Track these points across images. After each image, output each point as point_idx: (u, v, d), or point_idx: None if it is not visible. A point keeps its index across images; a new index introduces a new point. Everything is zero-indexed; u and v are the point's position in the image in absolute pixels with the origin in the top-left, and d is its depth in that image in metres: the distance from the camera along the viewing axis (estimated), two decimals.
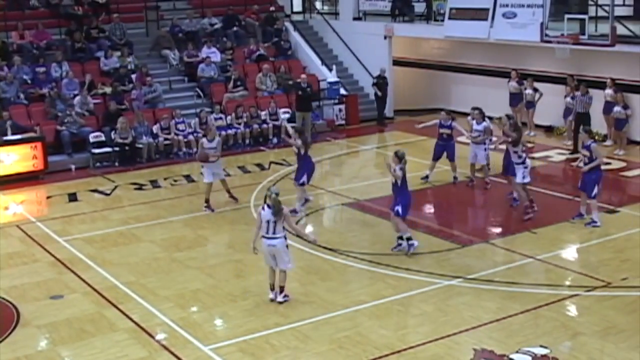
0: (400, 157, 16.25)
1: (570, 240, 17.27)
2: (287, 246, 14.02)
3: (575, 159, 21.64)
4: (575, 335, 12.70)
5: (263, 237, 13.95)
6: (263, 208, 13.93)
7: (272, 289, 14.21)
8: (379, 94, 29.94)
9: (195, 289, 14.94)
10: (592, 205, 17.85)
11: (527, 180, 18.44)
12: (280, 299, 14.06)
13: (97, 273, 15.86)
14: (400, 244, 16.46)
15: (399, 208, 16.21)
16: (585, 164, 17.75)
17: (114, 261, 16.49)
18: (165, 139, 25.62)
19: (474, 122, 20.72)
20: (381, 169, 23.21)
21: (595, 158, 17.63)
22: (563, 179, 23.06)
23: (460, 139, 21.99)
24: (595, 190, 17.69)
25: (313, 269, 15.70)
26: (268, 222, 13.80)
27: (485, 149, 20.64)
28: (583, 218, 18.01)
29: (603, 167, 21.85)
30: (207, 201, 19.77)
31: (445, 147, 21.32)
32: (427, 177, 21.51)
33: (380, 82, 29.96)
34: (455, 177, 21.36)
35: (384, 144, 27.45)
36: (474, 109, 21.01)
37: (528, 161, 18.56)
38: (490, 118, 21.51)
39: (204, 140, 19.72)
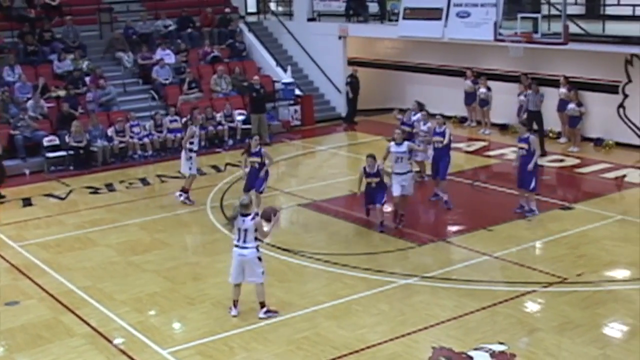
0: (374, 157, 17.50)
1: (526, 237, 17.39)
2: (259, 258, 13.46)
3: None
4: (532, 331, 12.80)
5: (235, 246, 13.50)
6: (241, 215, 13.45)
7: (235, 305, 13.67)
8: (351, 95, 30.03)
9: (152, 292, 14.85)
10: (530, 197, 18.42)
11: (397, 194, 17.75)
12: (261, 314, 13.53)
13: (53, 278, 15.71)
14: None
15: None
16: (523, 156, 18.21)
17: (70, 266, 16.34)
18: (120, 142, 25.44)
19: (421, 122, 20.57)
20: (337, 169, 23.29)
21: (534, 150, 18.18)
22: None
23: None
24: (534, 183, 18.24)
25: (270, 270, 15.57)
26: (239, 229, 13.37)
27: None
28: (525, 210, 18.46)
29: (558, 164, 22.15)
30: (186, 192, 20.35)
31: None
32: None
33: (353, 82, 30.03)
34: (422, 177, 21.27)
35: (340, 144, 27.46)
36: (420, 106, 21.22)
37: (408, 176, 17.89)
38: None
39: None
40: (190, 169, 20.32)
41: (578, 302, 13.81)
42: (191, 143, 20.19)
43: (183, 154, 20.36)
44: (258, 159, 18.70)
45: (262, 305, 13.58)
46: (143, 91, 28.65)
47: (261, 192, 18.87)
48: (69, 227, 18.97)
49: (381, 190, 17.66)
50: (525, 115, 25.53)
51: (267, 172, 18.89)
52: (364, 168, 17.56)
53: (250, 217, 13.33)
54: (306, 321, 13.38)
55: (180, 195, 20.33)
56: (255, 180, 18.79)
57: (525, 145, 18.17)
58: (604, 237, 17.09)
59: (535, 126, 23.58)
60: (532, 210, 18.37)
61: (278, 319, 13.45)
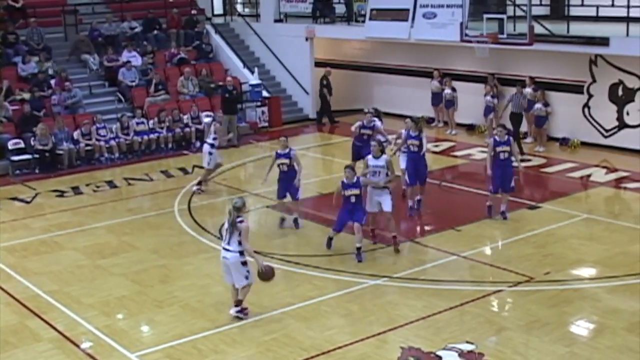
0: (352, 168, 16.42)
1: (493, 236, 17.51)
2: (243, 262, 13.25)
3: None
4: (500, 330, 12.87)
5: (223, 248, 13.43)
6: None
7: (235, 305, 13.58)
8: (329, 96, 30.08)
9: (120, 295, 14.77)
10: (505, 199, 18.26)
11: (372, 210, 16.89)
12: (232, 312, 13.49)
13: (18, 283, 15.57)
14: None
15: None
16: (505, 159, 17.94)
17: (36, 270, 16.20)
18: (87, 145, 25.27)
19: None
20: (305, 171, 23.20)
21: (513, 152, 18.15)
22: (485, 177, 23.29)
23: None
24: (512, 183, 18.23)
25: None
26: (226, 230, 13.34)
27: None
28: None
29: (524, 164, 22.28)
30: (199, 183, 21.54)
31: (361, 148, 20.34)
32: None
33: (328, 83, 30.15)
34: None
35: (308, 146, 27.39)
36: (376, 112, 21.01)
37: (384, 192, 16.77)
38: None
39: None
40: (208, 163, 21.20)
41: (545, 301, 13.90)
42: (214, 139, 21.08)
43: (206, 147, 21.34)
44: (287, 161, 18.04)
45: (237, 303, 13.49)
46: (109, 93, 28.48)
47: (297, 199, 18.36)
48: (35, 230, 18.81)
49: (361, 207, 16.35)
50: (491, 116, 25.75)
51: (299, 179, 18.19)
52: (342, 182, 16.19)
53: (239, 220, 13.19)
54: (275, 323, 13.37)
55: (198, 188, 21.36)
56: (289, 186, 18.20)
57: (507, 149, 17.95)
58: (570, 236, 17.22)
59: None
60: (503, 212, 18.32)
61: (247, 320, 13.42)
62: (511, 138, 18.36)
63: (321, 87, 30.28)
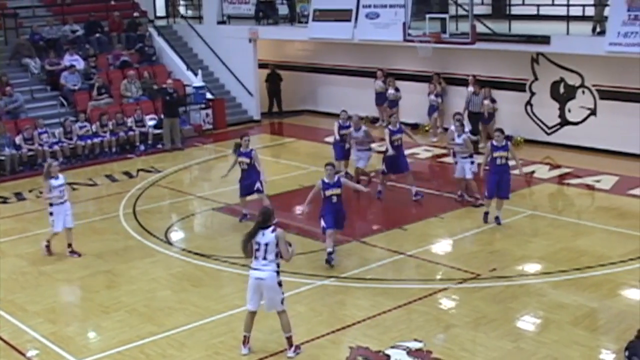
0: (333, 165, 16.15)
1: (439, 235, 17.61)
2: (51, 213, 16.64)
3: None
4: (447, 328, 12.95)
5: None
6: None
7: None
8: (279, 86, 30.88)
9: (65, 302, 14.66)
10: (501, 205, 17.93)
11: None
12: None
13: None
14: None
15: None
16: (502, 164, 17.60)
17: None
18: (29, 150, 24.94)
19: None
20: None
21: (512, 157, 17.81)
22: (430, 176, 23.46)
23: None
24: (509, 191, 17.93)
25: (185, 275, 15.56)
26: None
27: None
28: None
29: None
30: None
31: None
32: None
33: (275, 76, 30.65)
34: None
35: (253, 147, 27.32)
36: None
37: None
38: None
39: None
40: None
41: (491, 297, 14.02)
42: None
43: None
44: (247, 160, 18.30)
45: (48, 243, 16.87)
46: (51, 98, 28.13)
47: (261, 191, 18.52)
48: None
49: (342, 209, 15.91)
50: (435, 115, 25.84)
51: (258, 173, 18.50)
52: (322, 181, 15.64)
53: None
54: (223, 325, 13.32)
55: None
56: (249, 183, 18.52)
57: (505, 154, 17.55)
58: (515, 232, 17.39)
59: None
60: (497, 218, 17.94)
61: (194, 324, 13.36)
62: (509, 143, 17.98)
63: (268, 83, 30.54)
